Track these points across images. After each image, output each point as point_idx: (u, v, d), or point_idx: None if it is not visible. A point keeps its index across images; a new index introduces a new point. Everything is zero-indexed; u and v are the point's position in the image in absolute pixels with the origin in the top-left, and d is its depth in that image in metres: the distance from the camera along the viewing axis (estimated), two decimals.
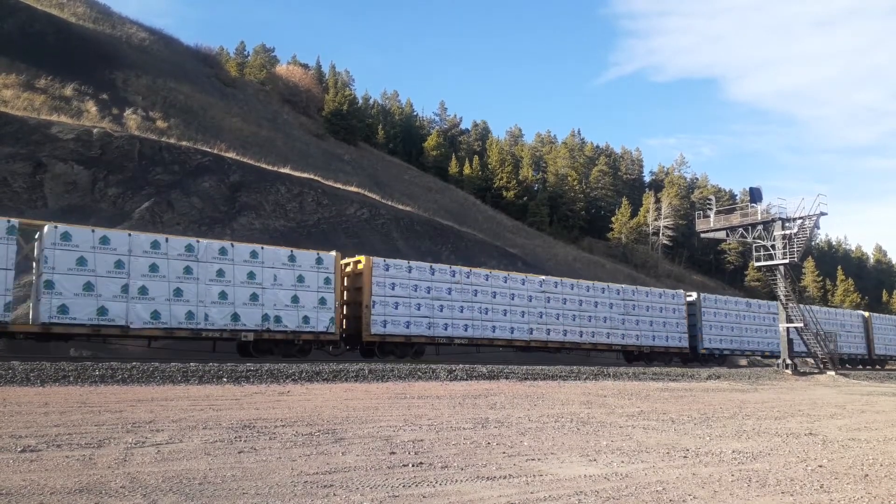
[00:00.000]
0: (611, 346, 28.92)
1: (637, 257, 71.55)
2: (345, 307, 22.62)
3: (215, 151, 34.46)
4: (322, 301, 20.87)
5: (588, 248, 69.91)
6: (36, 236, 17.75)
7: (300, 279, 20.58)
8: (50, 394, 11.48)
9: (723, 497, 5.84)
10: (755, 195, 31.39)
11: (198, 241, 19.34)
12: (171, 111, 40.85)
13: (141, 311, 17.82)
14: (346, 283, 22.85)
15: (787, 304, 29.74)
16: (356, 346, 22.93)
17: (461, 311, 24.23)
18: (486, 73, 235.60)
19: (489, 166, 73.35)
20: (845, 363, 38.05)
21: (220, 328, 19.03)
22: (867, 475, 7.03)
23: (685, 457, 7.79)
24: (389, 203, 41.32)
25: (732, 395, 17.97)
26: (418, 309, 23.14)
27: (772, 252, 29.74)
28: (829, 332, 33.21)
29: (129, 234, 18.62)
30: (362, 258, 23.00)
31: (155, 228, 26.24)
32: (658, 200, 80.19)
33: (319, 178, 38.53)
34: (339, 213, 36.28)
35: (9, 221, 16.71)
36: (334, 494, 5.44)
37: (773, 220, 29.76)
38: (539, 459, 7.31)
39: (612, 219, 77.47)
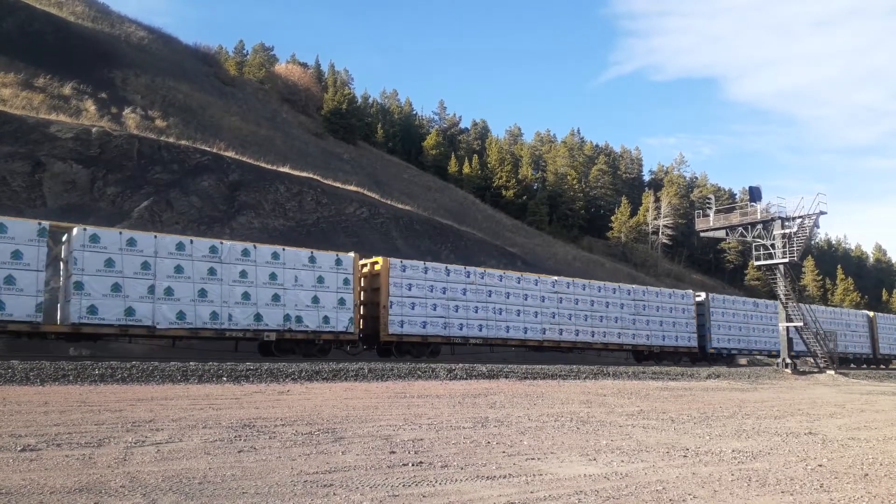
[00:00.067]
0: (621, 346, 29.27)
1: (637, 256, 71.60)
2: (362, 307, 22.88)
3: (214, 150, 34.45)
4: (341, 301, 21.20)
5: (587, 248, 69.93)
6: (64, 238, 17.94)
7: (320, 280, 20.91)
8: (49, 393, 11.48)
9: (723, 496, 5.83)
10: (755, 194, 31.42)
11: (221, 243, 19.69)
12: (170, 110, 40.81)
13: (167, 311, 18.14)
14: (363, 284, 23.11)
15: (786, 303, 29.76)
16: (373, 345, 23.25)
17: (476, 312, 24.54)
18: (485, 73, 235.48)
19: (488, 165, 73.36)
20: (850, 362, 38.37)
21: (244, 328, 19.36)
22: (867, 474, 7.03)
23: (685, 456, 7.79)
24: (389, 202, 41.32)
25: (732, 394, 17.98)
26: (434, 309, 23.44)
27: (771, 251, 29.75)
28: (829, 332, 33.26)
29: (156, 236, 18.92)
30: (379, 259, 23.31)
31: (154, 227, 26.22)
32: (658, 199, 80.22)
33: (318, 178, 38.51)
34: (338, 212, 36.28)
35: (39, 224, 16.99)
36: (334, 494, 5.44)
37: (773, 220, 29.78)
38: (539, 459, 7.31)
39: (612, 218, 77.50)
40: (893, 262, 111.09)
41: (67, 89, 35.52)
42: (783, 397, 17.69)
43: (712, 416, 12.17)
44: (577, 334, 27.50)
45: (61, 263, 17.99)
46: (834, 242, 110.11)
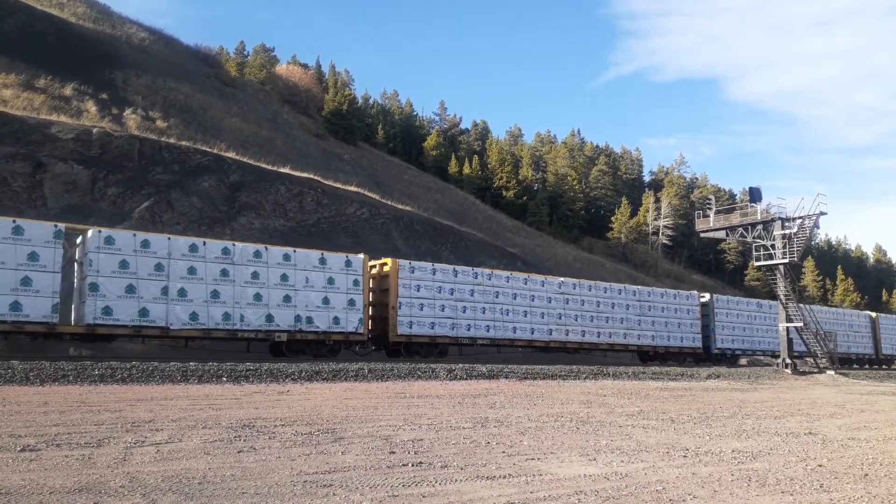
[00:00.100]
0: (627, 347, 29.49)
1: (637, 257, 71.56)
2: (371, 308, 23.02)
3: (215, 151, 34.46)
4: (351, 302, 21.39)
5: (588, 248, 69.91)
6: (78, 240, 18.15)
7: (330, 281, 21.11)
8: (49, 393, 11.48)
9: (723, 496, 5.83)
10: (755, 195, 31.43)
11: (234, 245, 19.92)
12: (170, 111, 40.82)
13: (180, 312, 18.33)
14: (371, 285, 23.23)
15: (786, 303, 29.76)
16: (382, 346, 23.42)
17: (483, 313, 24.70)
18: (486, 73, 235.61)
19: (489, 166, 73.33)
20: (853, 363, 38.59)
21: (256, 329, 19.57)
22: (867, 474, 7.03)
23: (685, 456, 7.78)
24: (389, 203, 41.32)
25: (732, 394, 17.97)
26: (442, 310, 23.63)
27: (771, 252, 29.75)
28: (829, 332, 33.29)
29: (169, 238, 19.09)
30: (388, 260, 23.49)
31: (155, 228, 26.25)
32: (658, 200, 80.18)
33: (319, 178, 38.52)
34: (338, 212, 36.29)
35: (55, 226, 17.22)
36: (334, 494, 5.44)
37: (773, 220, 29.78)
38: (539, 459, 7.31)
39: (612, 218, 77.46)
40: (893, 262, 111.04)
41: (68, 90, 35.54)
42: (783, 397, 17.68)
43: (712, 417, 12.17)
44: (584, 335, 27.69)
45: (75, 265, 18.20)
46: (834, 243, 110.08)
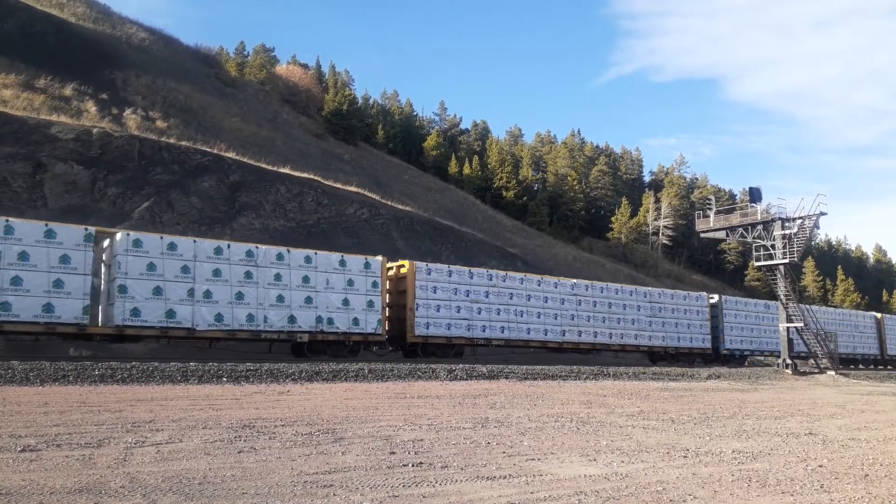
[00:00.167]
0: (638, 348, 29.77)
1: (637, 257, 71.58)
2: (388, 309, 23.23)
3: (215, 151, 34.47)
4: (370, 304, 21.68)
5: (588, 248, 69.92)
6: (106, 243, 18.41)
7: (350, 283, 21.41)
8: (49, 393, 11.48)
9: (723, 497, 5.83)
10: (755, 195, 31.43)
11: (257, 247, 20.23)
12: (170, 111, 40.84)
13: (206, 313, 18.59)
14: (388, 287, 23.44)
15: (787, 303, 29.76)
16: (399, 347, 23.69)
17: (498, 314, 24.94)
18: (486, 73, 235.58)
19: (489, 166, 73.34)
20: (859, 363, 38.86)
21: (278, 330, 19.86)
22: (867, 475, 7.03)
23: (685, 457, 7.78)
24: (389, 203, 41.33)
25: (732, 394, 17.97)
26: (458, 311, 23.90)
27: (772, 252, 29.76)
28: (829, 332, 33.33)
29: (195, 241, 19.28)
30: (405, 262, 23.81)
31: (154, 228, 26.25)
32: (658, 200, 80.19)
33: (319, 178, 38.53)
34: (338, 212, 36.29)
35: (86, 230, 17.52)
36: (334, 494, 5.44)
37: (773, 220, 29.78)
38: (539, 459, 7.31)
39: (612, 219, 77.48)
40: (894, 262, 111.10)
41: (68, 90, 35.55)
42: (783, 398, 17.68)
43: (712, 417, 12.17)
44: (595, 336, 27.94)
45: (103, 267, 18.43)
46: (834, 243, 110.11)
